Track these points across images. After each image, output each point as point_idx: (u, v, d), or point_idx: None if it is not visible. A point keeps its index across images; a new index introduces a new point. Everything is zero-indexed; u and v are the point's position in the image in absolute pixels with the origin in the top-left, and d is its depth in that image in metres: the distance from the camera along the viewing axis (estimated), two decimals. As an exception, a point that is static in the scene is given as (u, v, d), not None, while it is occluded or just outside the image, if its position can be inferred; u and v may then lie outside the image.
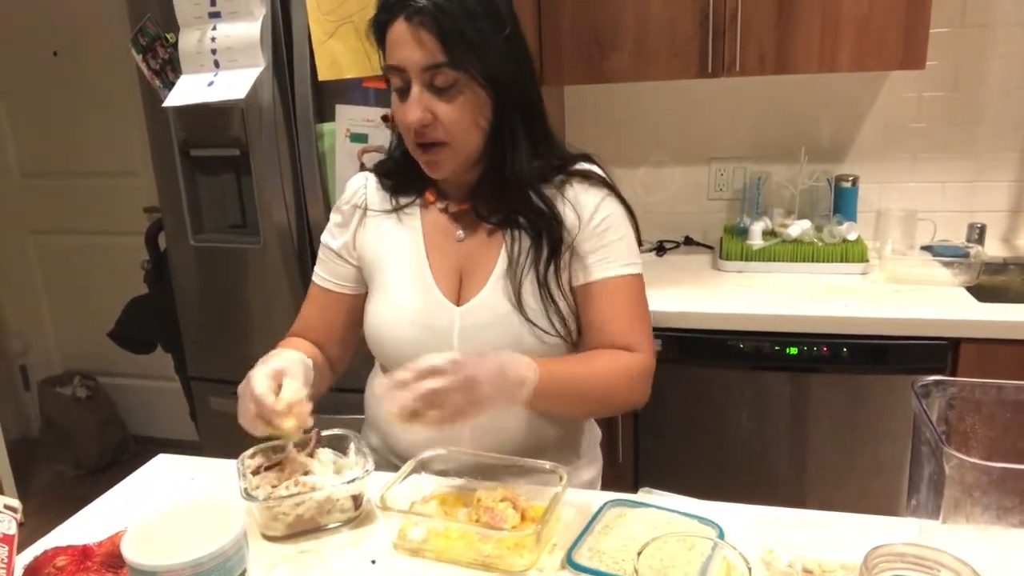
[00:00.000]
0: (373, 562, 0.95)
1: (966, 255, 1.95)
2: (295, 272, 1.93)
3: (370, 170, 1.27)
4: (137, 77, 1.97)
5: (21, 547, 0.91)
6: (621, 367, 1.11)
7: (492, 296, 1.13)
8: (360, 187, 1.24)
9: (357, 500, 1.03)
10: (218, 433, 2.14)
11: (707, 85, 2.24)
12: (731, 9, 1.89)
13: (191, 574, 0.77)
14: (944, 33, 2.09)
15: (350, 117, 1.81)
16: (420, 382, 0.91)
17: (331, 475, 1.04)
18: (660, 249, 2.34)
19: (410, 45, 1.02)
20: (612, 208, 1.15)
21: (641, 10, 1.96)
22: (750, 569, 0.74)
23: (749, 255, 2.09)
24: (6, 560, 0.83)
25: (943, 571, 0.71)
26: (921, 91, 2.18)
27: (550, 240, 1.12)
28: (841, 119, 2.25)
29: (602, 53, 2.01)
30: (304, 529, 1.00)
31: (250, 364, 1.07)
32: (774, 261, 2.07)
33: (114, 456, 3.26)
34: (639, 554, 0.76)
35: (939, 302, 1.77)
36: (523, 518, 0.96)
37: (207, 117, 1.92)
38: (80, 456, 3.19)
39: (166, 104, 1.85)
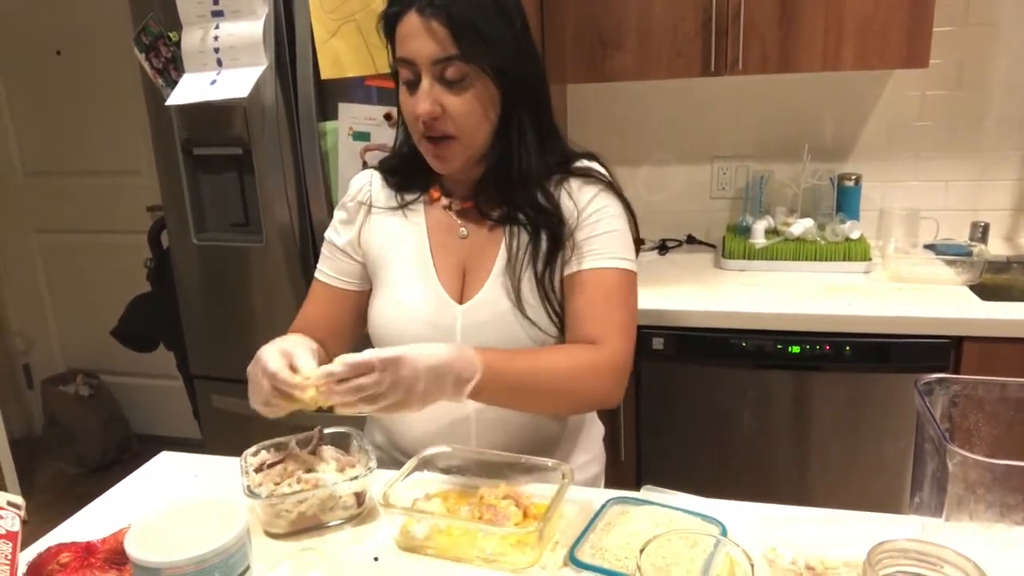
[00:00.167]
0: (376, 559, 0.95)
1: (969, 254, 1.95)
2: (297, 271, 1.94)
3: (375, 167, 1.27)
4: (140, 76, 1.98)
5: (24, 544, 0.91)
6: (582, 362, 1.08)
7: (492, 293, 1.13)
8: (365, 184, 1.25)
9: (360, 497, 1.03)
10: (221, 431, 2.15)
11: (710, 84, 2.24)
12: (734, 7, 1.89)
13: (194, 571, 0.77)
14: (948, 32, 2.09)
15: (353, 115, 1.81)
16: (352, 380, 0.91)
17: (334, 472, 1.04)
18: (663, 248, 2.34)
19: (422, 38, 1.03)
20: (607, 202, 1.15)
21: (644, 9, 1.96)
22: (753, 566, 0.74)
23: (752, 254, 2.09)
24: (10, 557, 0.83)
25: (946, 567, 0.71)
26: (924, 90, 2.17)
27: (549, 237, 1.12)
28: (844, 118, 2.25)
29: (605, 52, 2.01)
30: (307, 526, 1.00)
31: (252, 362, 1.06)
32: (777, 260, 2.07)
33: (117, 454, 3.26)
34: (642, 551, 0.76)
35: (942, 301, 1.77)
36: (526, 515, 0.96)
37: (210, 116, 1.93)
38: (83, 454, 3.20)
39: (169, 103, 1.86)
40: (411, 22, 1.04)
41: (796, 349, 1.77)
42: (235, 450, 1.10)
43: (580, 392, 1.10)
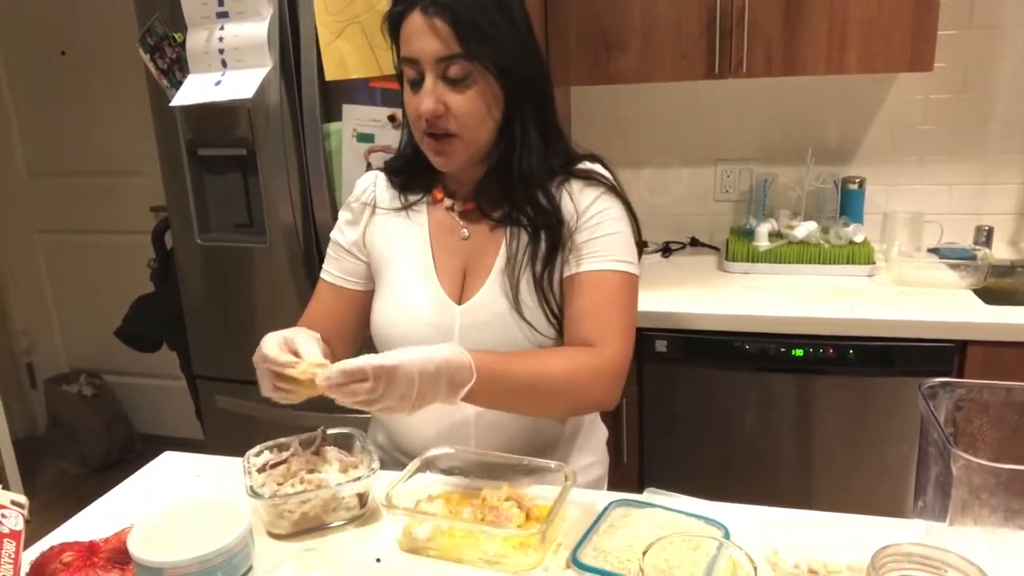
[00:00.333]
0: (378, 560, 0.95)
1: (973, 257, 1.95)
2: (301, 271, 1.94)
3: (380, 168, 1.27)
4: (145, 76, 1.98)
5: (27, 544, 0.91)
6: (579, 365, 1.08)
7: (490, 294, 1.13)
8: (370, 185, 1.25)
9: (362, 498, 1.03)
10: (224, 431, 2.15)
11: (714, 86, 2.24)
12: (738, 10, 1.89)
13: (197, 571, 0.77)
14: (952, 35, 2.08)
15: (357, 117, 1.81)
16: (348, 384, 0.92)
17: (337, 473, 1.04)
18: (666, 250, 2.34)
19: (426, 36, 1.04)
20: (609, 204, 1.14)
21: (648, 11, 1.96)
22: (756, 569, 0.74)
23: (755, 256, 2.08)
24: (13, 556, 0.83)
25: (950, 571, 0.71)
26: (929, 93, 2.17)
27: (549, 238, 1.12)
28: (848, 121, 2.25)
29: (608, 54, 2.01)
30: (309, 527, 1.00)
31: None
32: (780, 263, 2.07)
33: (120, 454, 3.27)
34: (644, 554, 0.76)
35: (946, 304, 1.76)
36: (528, 517, 0.96)
37: (214, 117, 1.93)
38: (86, 454, 3.21)
39: (173, 103, 1.86)
40: (415, 21, 1.04)
41: (799, 352, 1.76)
42: (238, 450, 1.10)
43: (576, 395, 1.10)
